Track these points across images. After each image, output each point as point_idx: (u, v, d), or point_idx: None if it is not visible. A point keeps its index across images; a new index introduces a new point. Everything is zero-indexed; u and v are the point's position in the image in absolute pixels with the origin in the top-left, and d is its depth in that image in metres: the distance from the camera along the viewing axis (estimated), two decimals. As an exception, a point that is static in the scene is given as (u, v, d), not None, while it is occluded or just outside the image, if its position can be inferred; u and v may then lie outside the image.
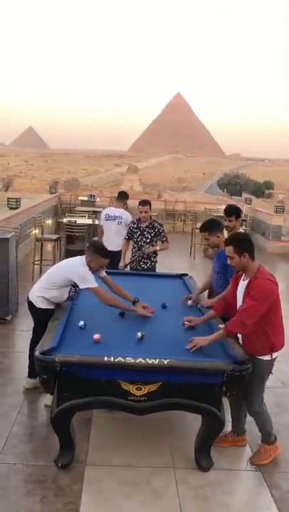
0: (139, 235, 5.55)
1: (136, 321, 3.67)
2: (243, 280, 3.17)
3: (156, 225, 5.62)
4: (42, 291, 3.87)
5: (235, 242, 3.13)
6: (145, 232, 5.54)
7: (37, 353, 2.89)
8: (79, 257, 3.83)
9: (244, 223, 12.43)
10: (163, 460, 3.26)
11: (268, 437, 3.30)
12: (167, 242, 5.62)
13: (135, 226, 5.63)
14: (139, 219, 5.61)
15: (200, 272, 8.26)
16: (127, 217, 6.37)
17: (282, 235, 11.49)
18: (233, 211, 4.67)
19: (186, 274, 5.18)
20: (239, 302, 3.17)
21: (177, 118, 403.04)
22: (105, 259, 3.75)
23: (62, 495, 2.87)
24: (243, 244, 3.11)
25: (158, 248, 5.56)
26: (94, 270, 3.73)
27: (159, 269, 6.94)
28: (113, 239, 6.10)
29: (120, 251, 5.90)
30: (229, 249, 3.11)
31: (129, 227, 5.75)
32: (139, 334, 3.31)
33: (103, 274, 3.90)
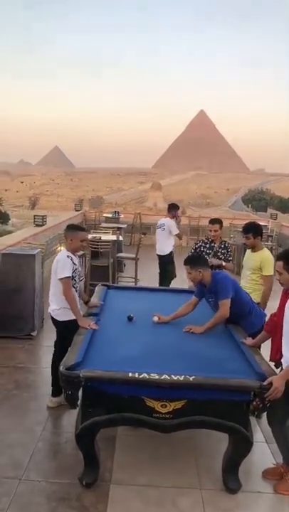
0: (212, 255, 5.40)
1: (160, 336, 3.64)
2: None
3: (227, 245, 5.55)
4: (56, 302, 3.96)
5: (286, 257, 3.03)
6: (218, 253, 5.45)
7: (62, 368, 2.88)
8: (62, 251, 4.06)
9: (270, 238, 12.28)
10: (189, 480, 3.17)
11: None
12: (233, 263, 5.54)
13: (207, 246, 5.50)
14: (212, 240, 5.51)
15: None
16: (169, 224, 7.28)
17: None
18: (250, 229, 4.54)
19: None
20: (287, 322, 3.05)
21: (200, 135, 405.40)
22: (83, 232, 4.07)
23: (87, 514, 2.82)
24: None
25: (223, 264, 5.38)
26: (78, 249, 4.04)
27: (183, 284, 6.91)
28: (158, 243, 7.40)
29: (163, 256, 7.25)
30: (279, 265, 3.03)
31: (198, 247, 5.59)
32: (156, 318, 3.86)
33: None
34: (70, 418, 3.81)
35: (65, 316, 3.93)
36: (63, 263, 3.87)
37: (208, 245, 5.50)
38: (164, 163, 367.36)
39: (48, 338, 5.82)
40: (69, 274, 3.83)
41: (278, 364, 3.17)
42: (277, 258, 3.06)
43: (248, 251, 4.68)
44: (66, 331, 3.92)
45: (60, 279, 3.83)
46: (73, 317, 3.92)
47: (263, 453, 3.51)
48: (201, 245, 5.58)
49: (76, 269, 3.96)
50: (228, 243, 5.60)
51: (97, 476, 3.07)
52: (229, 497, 3.03)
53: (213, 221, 5.61)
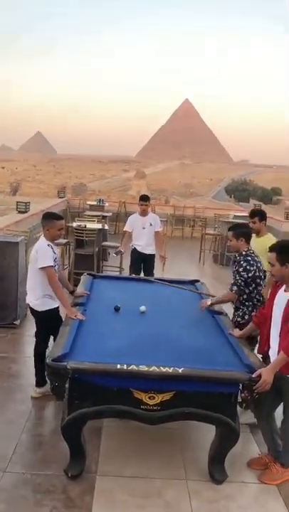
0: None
1: (148, 327, 3.61)
2: (285, 291, 3.02)
3: (241, 259, 3.78)
4: (35, 292, 3.88)
5: (279, 249, 2.99)
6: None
7: (48, 359, 2.82)
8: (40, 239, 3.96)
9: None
10: (175, 471, 3.17)
11: (287, 460, 3.14)
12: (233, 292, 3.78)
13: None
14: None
15: (210, 278, 8.18)
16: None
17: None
18: (256, 213, 4.83)
19: (197, 280, 5.09)
20: (276, 314, 3.04)
21: (185, 124, 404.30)
22: (60, 220, 3.92)
23: (73, 506, 2.79)
24: (287, 253, 2.95)
25: (208, 303, 3.97)
26: (56, 238, 3.91)
27: (168, 274, 6.89)
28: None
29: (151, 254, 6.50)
30: (271, 256, 2.99)
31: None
32: (143, 308, 3.76)
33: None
34: (55, 409, 3.78)
35: (45, 305, 3.87)
36: (44, 252, 3.79)
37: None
38: (148, 151, 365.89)
39: (32, 328, 5.70)
40: (51, 262, 3.76)
41: (266, 356, 3.17)
42: (270, 250, 3.04)
43: (253, 236, 4.76)
44: (46, 320, 3.88)
45: (43, 268, 3.75)
46: (53, 306, 3.87)
47: (248, 443, 3.53)
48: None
49: (56, 258, 3.88)
50: (247, 256, 3.75)
51: (83, 468, 3.04)
52: (215, 488, 3.04)
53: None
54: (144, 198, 6.45)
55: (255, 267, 3.64)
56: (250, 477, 3.18)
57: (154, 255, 6.54)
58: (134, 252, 6.51)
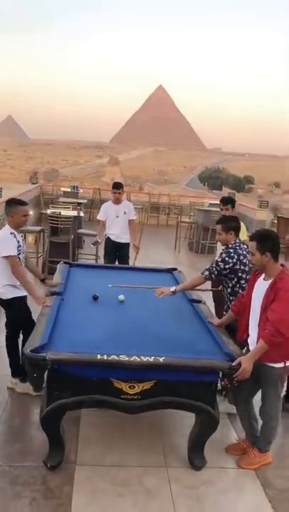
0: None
1: (126, 316, 3.58)
2: (264, 280, 3.03)
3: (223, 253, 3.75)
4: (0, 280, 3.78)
5: (259, 238, 2.99)
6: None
7: (27, 350, 2.75)
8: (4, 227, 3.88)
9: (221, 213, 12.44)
10: (155, 459, 3.19)
11: (264, 445, 3.21)
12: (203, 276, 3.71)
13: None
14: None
15: (185, 266, 8.20)
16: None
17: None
18: (229, 200, 5.06)
19: (175, 269, 5.09)
20: (255, 302, 3.06)
21: (159, 111, 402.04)
22: (25, 206, 3.85)
23: (52, 497, 2.76)
24: (267, 242, 2.96)
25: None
26: (21, 224, 3.84)
27: (144, 262, 6.87)
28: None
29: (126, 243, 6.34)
30: (252, 245, 2.99)
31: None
32: (121, 297, 3.77)
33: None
34: (32, 399, 3.72)
35: (11, 293, 3.78)
36: (6, 241, 3.70)
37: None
38: (121, 137, 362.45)
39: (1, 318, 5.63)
40: (14, 252, 3.68)
41: (245, 344, 3.20)
42: (250, 239, 3.04)
43: None
44: (14, 308, 3.81)
45: (6, 257, 3.67)
46: (20, 294, 3.80)
47: (226, 429, 3.58)
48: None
49: (20, 246, 3.79)
50: (230, 248, 3.71)
51: (62, 458, 3.01)
52: (194, 474, 3.08)
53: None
54: (117, 186, 6.26)
55: (235, 259, 3.58)
56: (228, 462, 3.23)
57: (128, 244, 6.39)
58: (108, 241, 6.36)
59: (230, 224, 3.80)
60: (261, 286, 3.04)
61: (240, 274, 3.63)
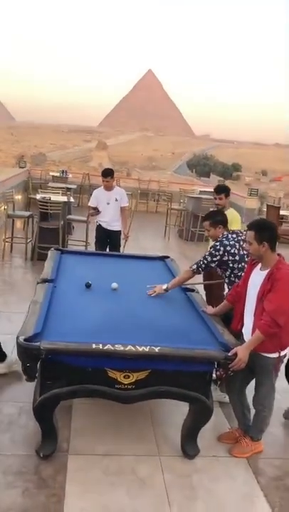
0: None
1: (120, 305, 3.53)
2: (261, 270, 3.01)
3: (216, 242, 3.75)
4: None
5: (257, 228, 2.96)
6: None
7: (20, 339, 2.70)
8: None
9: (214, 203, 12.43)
10: (148, 447, 3.18)
11: (257, 434, 3.23)
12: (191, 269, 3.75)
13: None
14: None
15: (175, 254, 8.17)
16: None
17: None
18: (222, 189, 4.85)
19: (167, 257, 5.05)
20: (251, 292, 3.04)
21: (148, 95, 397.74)
22: None
23: (45, 486, 2.74)
24: (265, 232, 2.92)
25: None
26: None
27: (133, 249, 6.82)
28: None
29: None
30: (250, 234, 2.95)
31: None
32: (115, 285, 3.75)
33: None
34: (23, 387, 3.66)
35: None
36: None
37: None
38: (110, 122, 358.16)
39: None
40: None
41: (239, 334, 3.19)
42: (248, 228, 3.01)
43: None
44: None
45: None
46: None
47: (218, 418, 3.59)
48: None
49: None
50: (216, 241, 3.71)
51: (55, 447, 2.99)
52: (187, 462, 3.08)
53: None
54: (107, 174, 6.01)
55: (221, 252, 3.58)
56: (221, 451, 3.24)
57: (119, 232, 6.27)
58: (99, 229, 6.22)
59: (217, 218, 3.80)
60: (257, 276, 3.02)
61: (231, 265, 3.63)
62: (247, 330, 3.08)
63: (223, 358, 2.81)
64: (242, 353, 2.83)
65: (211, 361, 2.85)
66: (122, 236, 6.38)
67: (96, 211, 6.11)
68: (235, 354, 2.83)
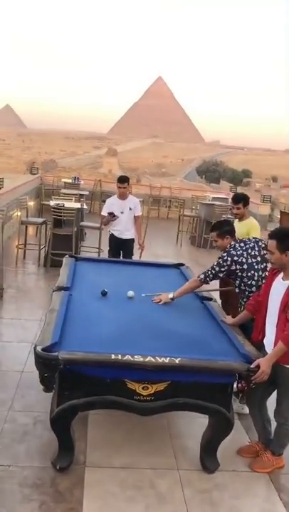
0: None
1: (137, 313, 3.47)
2: (283, 279, 2.94)
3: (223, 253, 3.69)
4: None
5: (280, 237, 2.88)
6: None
7: (38, 348, 2.65)
8: None
9: (230, 211, 12.34)
10: (166, 461, 3.10)
11: (278, 448, 3.13)
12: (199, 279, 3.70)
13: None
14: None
15: (187, 261, 8.07)
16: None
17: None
18: (240, 198, 4.72)
19: (182, 264, 4.99)
20: (273, 302, 2.97)
21: (158, 102, 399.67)
22: None
23: (63, 500, 2.67)
24: (288, 241, 2.85)
25: None
26: None
27: (145, 256, 6.74)
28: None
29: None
30: (271, 244, 2.88)
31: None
32: (131, 293, 3.72)
33: None
34: (37, 396, 3.61)
35: None
36: None
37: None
38: (120, 129, 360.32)
39: (9, 311, 5.54)
40: None
41: (260, 345, 3.11)
42: (270, 237, 2.94)
43: (236, 221, 4.70)
44: None
45: None
46: None
47: (237, 431, 3.49)
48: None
49: None
50: (224, 252, 3.65)
51: (72, 459, 2.92)
52: (206, 477, 2.99)
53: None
54: (123, 180, 5.91)
55: (229, 262, 3.53)
56: (241, 465, 3.15)
57: (132, 240, 6.10)
58: (112, 238, 6.06)
59: (224, 229, 3.74)
60: (280, 286, 2.94)
61: (239, 274, 3.58)
62: (269, 341, 3.00)
63: (246, 370, 2.73)
64: (265, 365, 2.75)
65: (232, 373, 2.77)
66: (137, 246, 6.22)
67: (112, 216, 5.89)
68: (258, 366, 2.75)
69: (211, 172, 71.63)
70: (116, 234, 6.04)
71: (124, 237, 6.03)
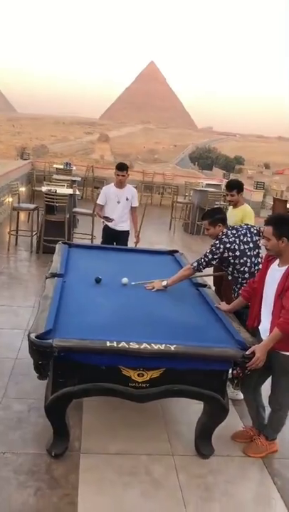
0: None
1: (131, 300, 3.45)
2: (279, 266, 2.93)
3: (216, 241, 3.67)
4: None
5: (276, 223, 2.86)
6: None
7: (32, 336, 2.62)
8: None
9: (223, 198, 12.29)
10: (161, 446, 3.12)
11: (272, 434, 3.16)
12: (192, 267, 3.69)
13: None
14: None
15: (180, 248, 8.00)
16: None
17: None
18: (234, 185, 4.65)
19: (176, 251, 4.97)
20: (268, 289, 2.95)
21: (150, 87, 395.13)
22: None
23: (58, 487, 2.67)
24: (284, 227, 2.83)
25: None
26: None
27: (139, 244, 6.67)
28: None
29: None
30: (268, 230, 2.86)
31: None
32: (125, 280, 3.69)
33: None
34: (32, 383, 3.59)
35: None
36: None
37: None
38: (111, 114, 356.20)
39: (0, 297, 5.48)
40: None
41: (255, 331, 3.10)
42: (266, 223, 2.91)
43: (230, 208, 4.69)
44: None
45: None
46: None
47: (231, 416, 3.51)
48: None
49: None
50: (216, 239, 3.62)
51: (67, 446, 2.92)
52: (201, 462, 3.01)
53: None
54: (122, 167, 5.57)
55: (221, 249, 3.52)
56: (235, 450, 3.17)
57: (127, 232, 5.85)
58: (106, 229, 5.79)
59: (216, 217, 3.70)
60: (276, 273, 2.92)
61: (232, 261, 3.57)
62: (264, 328, 2.99)
63: (241, 357, 2.73)
64: (260, 351, 2.74)
65: (228, 360, 2.76)
66: (134, 240, 6.06)
67: (108, 219, 5.68)
68: (253, 353, 2.75)
69: (204, 159, 71.33)
70: (110, 225, 5.76)
71: (118, 228, 5.77)
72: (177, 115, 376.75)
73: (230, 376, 2.92)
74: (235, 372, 2.82)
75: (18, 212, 7.91)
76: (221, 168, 51.13)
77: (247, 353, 2.74)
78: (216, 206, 4.52)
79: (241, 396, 3.48)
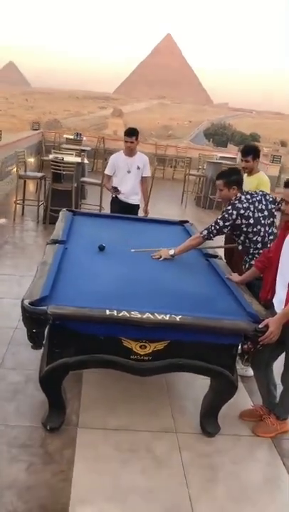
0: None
1: (137, 269, 3.22)
2: None
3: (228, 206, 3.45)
4: None
5: None
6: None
7: (25, 302, 2.41)
8: None
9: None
10: (164, 423, 2.94)
11: (284, 413, 2.96)
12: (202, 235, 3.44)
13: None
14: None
15: (192, 221, 7.76)
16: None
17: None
18: (250, 150, 4.32)
19: (186, 221, 4.71)
20: (284, 259, 2.69)
21: (166, 61, 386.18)
22: None
23: (52, 462, 2.52)
24: None
25: None
26: None
27: (149, 216, 6.38)
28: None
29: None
30: (287, 193, 2.60)
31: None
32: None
33: None
34: (30, 353, 3.38)
35: None
36: None
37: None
38: (126, 89, 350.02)
39: (3, 266, 5.32)
40: None
41: (268, 304, 2.86)
42: (285, 185, 2.64)
43: (245, 176, 4.35)
44: None
45: None
46: None
47: (240, 394, 3.31)
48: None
49: None
50: (229, 205, 3.37)
51: (63, 420, 2.76)
52: (206, 441, 2.84)
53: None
54: (131, 133, 4.98)
55: (234, 216, 3.24)
56: (243, 429, 2.99)
57: (138, 206, 5.29)
58: (115, 202, 5.22)
59: (232, 178, 3.38)
60: None
61: (245, 229, 3.30)
62: (279, 299, 2.75)
63: (253, 331, 2.50)
64: (274, 325, 2.51)
65: (238, 333, 2.54)
66: (142, 213, 5.55)
67: (116, 191, 5.13)
68: (266, 326, 2.51)
69: (219, 135, 69.76)
70: (121, 197, 5.18)
71: (130, 201, 5.21)
72: (193, 91, 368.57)
73: (239, 351, 2.70)
74: (245, 346, 2.59)
75: (25, 182, 7.68)
76: (236, 145, 49.98)
77: (260, 326, 2.51)
78: (232, 167, 4.15)
79: (251, 373, 3.28)
